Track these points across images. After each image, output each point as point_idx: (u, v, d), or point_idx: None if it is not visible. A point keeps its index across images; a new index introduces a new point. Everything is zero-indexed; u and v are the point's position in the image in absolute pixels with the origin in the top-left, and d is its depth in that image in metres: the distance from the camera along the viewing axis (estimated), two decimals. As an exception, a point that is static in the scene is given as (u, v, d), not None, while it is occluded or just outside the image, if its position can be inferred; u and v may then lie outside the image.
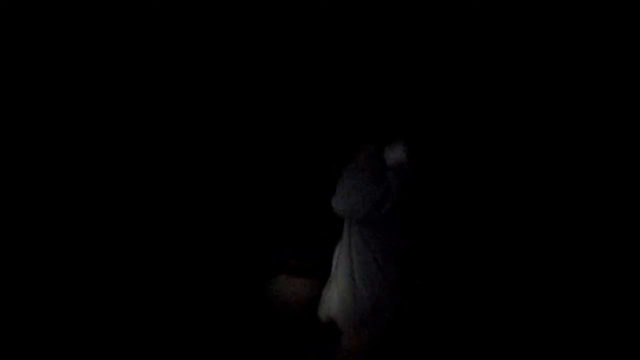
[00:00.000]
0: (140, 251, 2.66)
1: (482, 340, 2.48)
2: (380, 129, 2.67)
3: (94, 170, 2.62)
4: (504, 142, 2.58)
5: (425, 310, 2.52)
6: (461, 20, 2.52)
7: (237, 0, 2.60)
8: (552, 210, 2.51)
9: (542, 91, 2.52)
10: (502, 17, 2.48)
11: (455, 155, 2.62)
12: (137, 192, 2.70)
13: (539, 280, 2.49)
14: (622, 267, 2.38)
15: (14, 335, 2.35)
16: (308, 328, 2.43)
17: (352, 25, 2.61)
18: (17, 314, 2.39)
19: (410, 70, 2.62)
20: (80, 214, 2.60)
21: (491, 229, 2.58)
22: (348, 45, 2.65)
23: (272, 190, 2.84)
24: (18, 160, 2.47)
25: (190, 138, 2.76)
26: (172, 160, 2.74)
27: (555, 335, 2.43)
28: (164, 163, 2.73)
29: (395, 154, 1.94)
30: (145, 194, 2.71)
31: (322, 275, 2.18)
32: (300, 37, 2.66)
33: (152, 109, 2.70)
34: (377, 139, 2.01)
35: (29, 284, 2.45)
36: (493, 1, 2.45)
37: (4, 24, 2.38)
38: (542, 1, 2.42)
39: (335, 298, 1.84)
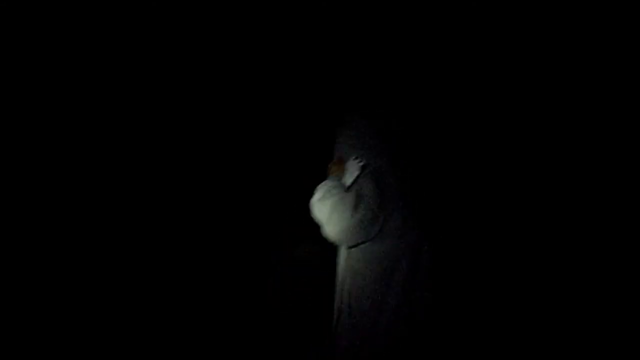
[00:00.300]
0: (140, 252, 2.66)
1: (484, 341, 2.48)
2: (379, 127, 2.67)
3: (94, 170, 2.62)
4: (501, 140, 2.58)
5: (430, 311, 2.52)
6: (458, 19, 2.53)
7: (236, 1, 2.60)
8: (552, 210, 2.52)
9: (541, 90, 2.52)
10: (499, 16, 2.48)
11: (451, 154, 2.62)
12: (138, 193, 2.69)
13: (539, 281, 2.49)
14: (622, 267, 2.38)
15: (14, 335, 2.35)
16: (308, 328, 2.43)
17: (354, 26, 2.62)
18: (17, 314, 2.39)
19: (408, 69, 2.63)
20: (80, 214, 2.60)
21: (490, 228, 2.58)
22: (347, 45, 2.65)
23: (272, 190, 2.84)
24: (18, 160, 2.47)
25: (189, 138, 2.76)
26: (171, 160, 2.74)
27: (555, 335, 2.43)
28: (164, 163, 2.73)
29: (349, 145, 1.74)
30: (145, 195, 2.70)
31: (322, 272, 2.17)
32: (300, 37, 2.66)
33: (152, 109, 2.70)
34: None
35: (29, 284, 2.45)
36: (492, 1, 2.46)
37: (4, 24, 2.38)
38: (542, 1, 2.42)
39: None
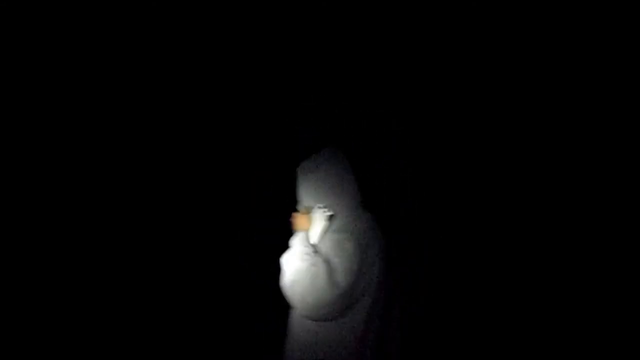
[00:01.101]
0: (140, 252, 2.66)
1: (482, 341, 2.48)
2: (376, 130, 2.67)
3: (93, 170, 2.62)
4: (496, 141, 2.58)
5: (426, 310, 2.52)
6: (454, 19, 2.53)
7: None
8: (552, 211, 2.52)
9: (541, 90, 2.52)
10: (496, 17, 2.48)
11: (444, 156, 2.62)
12: (137, 193, 2.69)
13: (539, 281, 2.49)
14: (622, 267, 2.38)
15: (14, 335, 2.35)
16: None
17: (354, 26, 2.62)
18: (17, 314, 2.39)
19: (408, 69, 2.63)
20: (80, 214, 2.59)
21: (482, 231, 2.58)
22: (347, 45, 2.65)
23: (272, 191, 2.84)
24: (18, 160, 2.47)
25: (189, 139, 2.76)
26: (170, 161, 2.74)
27: (555, 335, 2.43)
28: (163, 164, 2.72)
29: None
30: (145, 196, 2.70)
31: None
32: (300, 37, 2.66)
33: (152, 109, 2.70)
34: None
35: (29, 284, 2.45)
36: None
37: (4, 24, 2.38)
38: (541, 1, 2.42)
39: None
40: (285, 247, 1.60)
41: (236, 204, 2.77)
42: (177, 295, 2.66)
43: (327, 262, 1.43)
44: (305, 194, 1.61)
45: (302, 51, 2.68)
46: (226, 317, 2.67)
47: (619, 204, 2.40)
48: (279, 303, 1.61)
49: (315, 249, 1.51)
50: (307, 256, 1.47)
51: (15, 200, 2.45)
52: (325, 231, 1.53)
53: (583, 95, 2.45)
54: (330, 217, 1.54)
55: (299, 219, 1.61)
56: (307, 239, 1.54)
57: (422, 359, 2.40)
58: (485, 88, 2.57)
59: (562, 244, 2.47)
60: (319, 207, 1.55)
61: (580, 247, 2.44)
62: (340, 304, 1.41)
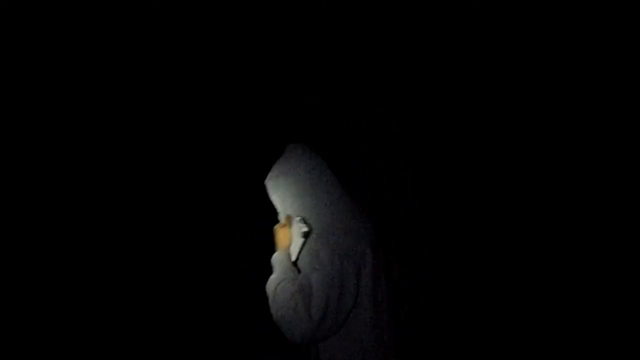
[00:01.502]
0: (139, 253, 2.66)
1: (482, 341, 2.49)
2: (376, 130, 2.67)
3: (93, 170, 2.62)
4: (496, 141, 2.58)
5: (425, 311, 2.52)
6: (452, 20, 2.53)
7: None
8: (552, 211, 2.52)
9: (541, 90, 2.52)
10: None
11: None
12: (139, 194, 2.69)
13: (539, 280, 2.49)
14: (622, 267, 2.38)
15: (14, 335, 2.35)
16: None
17: (354, 26, 2.62)
18: (17, 315, 2.39)
19: (408, 69, 2.63)
20: (80, 215, 2.59)
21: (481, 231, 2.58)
22: (347, 45, 2.65)
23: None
24: (18, 160, 2.47)
25: (189, 139, 2.76)
26: (170, 161, 2.74)
27: (555, 335, 2.43)
28: (163, 164, 2.72)
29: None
30: (146, 196, 2.70)
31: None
32: (300, 37, 2.66)
33: (152, 109, 2.70)
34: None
35: (29, 284, 2.45)
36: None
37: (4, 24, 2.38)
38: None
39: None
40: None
41: (236, 204, 2.77)
42: (178, 295, 2.67)
43: (307, 283, 1.33)
44: (277, 203, 1.52)
45: (302, 51, 2.68)
46: (226, 317, 2.67)
47: (619, 204, 2.40)
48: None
49: (295, 268, 1.43)
50: (287, 284, 1.37)
51: (15, 200, 2.45)
52: (303, 247, 1.44)
53: (583, 95, 2.45)
54: (307, 234, 1.42)
55: (278, 236, 1.51)
56: (287, 259, 1.45)
57: (423, 359, 2.40)
58: (485, 88, 2.57)
59: (561, 244, 2.48)
60: (298, 222, 1.44)
61: (579, 247, 2.44)
62: (330, 324, 1.32)
